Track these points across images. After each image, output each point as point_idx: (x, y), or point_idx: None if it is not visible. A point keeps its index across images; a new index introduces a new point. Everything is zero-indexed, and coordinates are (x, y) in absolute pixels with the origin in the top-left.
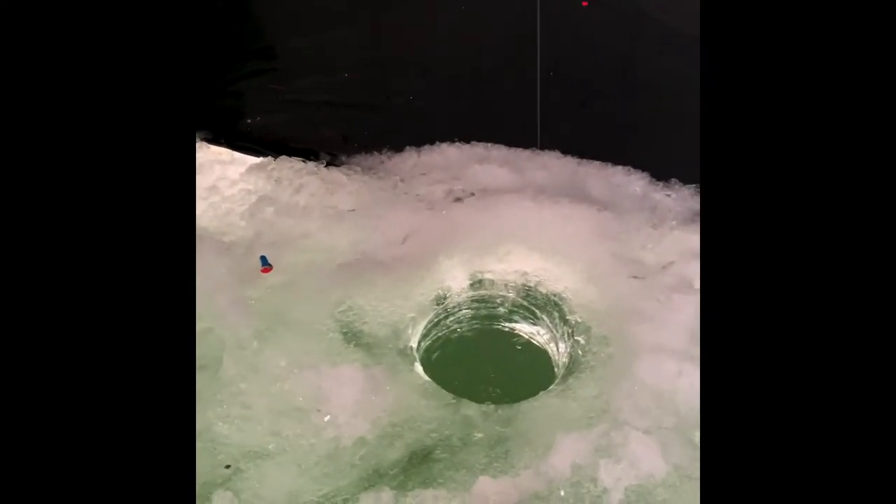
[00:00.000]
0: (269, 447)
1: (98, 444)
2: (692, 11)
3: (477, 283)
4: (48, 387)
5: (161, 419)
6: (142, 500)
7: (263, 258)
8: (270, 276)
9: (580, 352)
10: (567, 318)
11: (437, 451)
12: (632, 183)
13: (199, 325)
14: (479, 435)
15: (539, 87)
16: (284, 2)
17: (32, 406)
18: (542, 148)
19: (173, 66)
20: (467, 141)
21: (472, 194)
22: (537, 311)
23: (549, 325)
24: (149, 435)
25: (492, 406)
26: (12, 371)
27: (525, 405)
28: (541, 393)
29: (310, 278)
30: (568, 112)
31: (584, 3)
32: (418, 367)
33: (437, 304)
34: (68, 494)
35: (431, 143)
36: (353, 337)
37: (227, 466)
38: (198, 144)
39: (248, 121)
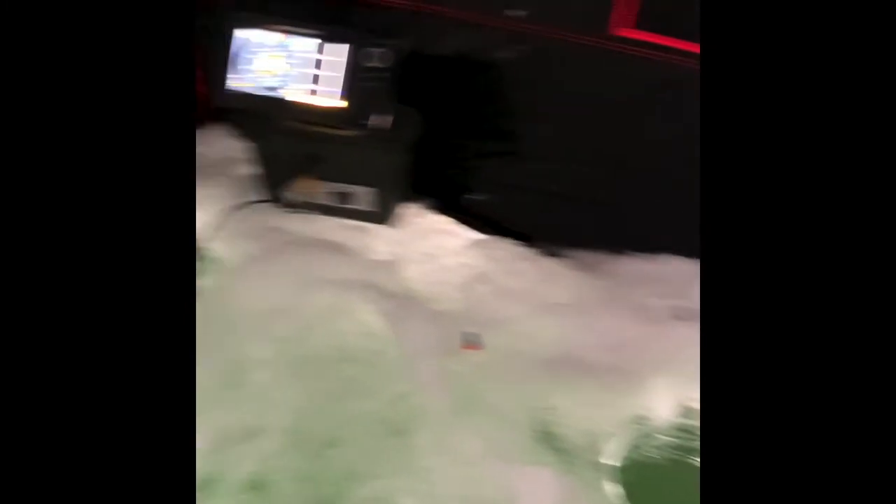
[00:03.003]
0: None
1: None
2: None
3: (685, 412)
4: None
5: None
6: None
7: (471, 335)
8: (474, 355)
9: None
10: None
11: None
12: None
13: (398, 389)
14: None
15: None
16: (535, 88)
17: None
18: None
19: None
20: (696, 256)
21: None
22: None
23: None
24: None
25: None
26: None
27: None
28: None
29: (512, 365)
30: None
31: None
32: (612, 486)
33: (638, 424)
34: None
35: (654, 251)
36: (546, 437)
37: None
38: (422, 212)
39: (474, 197)
